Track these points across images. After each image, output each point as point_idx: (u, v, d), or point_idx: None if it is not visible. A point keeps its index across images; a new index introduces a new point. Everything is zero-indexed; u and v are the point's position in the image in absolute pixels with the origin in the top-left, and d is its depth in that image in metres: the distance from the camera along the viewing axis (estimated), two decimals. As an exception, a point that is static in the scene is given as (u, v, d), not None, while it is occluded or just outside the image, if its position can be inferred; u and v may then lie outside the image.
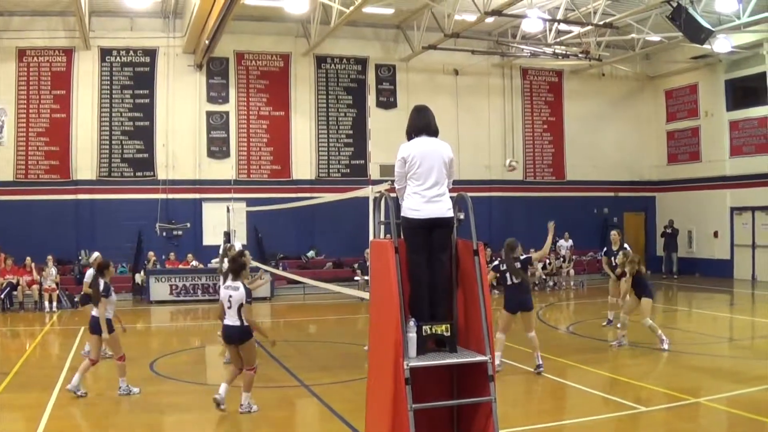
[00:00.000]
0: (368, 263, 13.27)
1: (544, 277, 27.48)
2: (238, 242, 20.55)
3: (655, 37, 26.04)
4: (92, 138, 25.42)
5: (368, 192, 12.17)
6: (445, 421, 6.89)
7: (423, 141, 6.94)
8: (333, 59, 28.00)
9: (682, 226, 30.26)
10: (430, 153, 6.85)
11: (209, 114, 26.62)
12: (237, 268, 10.36)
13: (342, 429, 9.61)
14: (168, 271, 24.53)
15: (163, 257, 25.30)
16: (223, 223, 23.78)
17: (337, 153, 27.97)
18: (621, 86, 31.98)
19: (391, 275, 6.53)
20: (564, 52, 27.11)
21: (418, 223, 6.74)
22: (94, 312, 11.08)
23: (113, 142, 25.68)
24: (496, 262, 12.79)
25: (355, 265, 25.92)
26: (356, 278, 25.31)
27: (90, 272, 13.97)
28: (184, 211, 26.09)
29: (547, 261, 27.99)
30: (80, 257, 24.53)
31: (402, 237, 6.88)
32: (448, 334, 6.61)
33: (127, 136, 25.81)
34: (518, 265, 12.54)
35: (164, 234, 25.84)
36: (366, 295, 10.25)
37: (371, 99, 28.04)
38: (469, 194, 7.00)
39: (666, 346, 14.17)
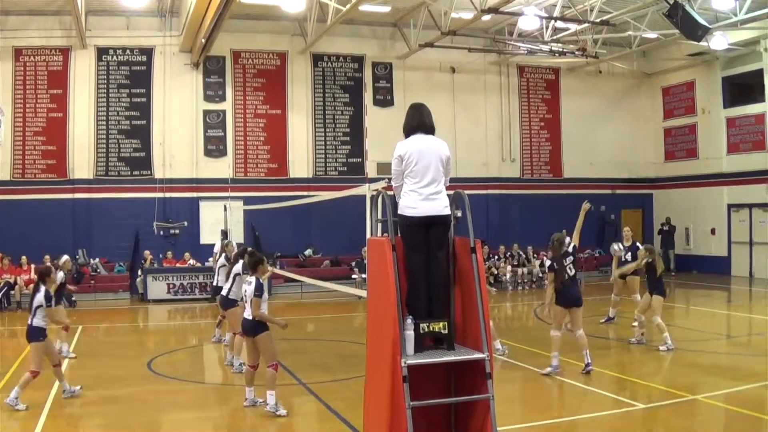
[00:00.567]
0: (366, 261, 13.27)
1: (540, 274, 27.50)
2: (235, 240, 20.55)
3: (651, 35, 26.03)
4: (89, 137, 25.38)
5: (365, 190, 12.16)
6: (443, 419, 6.90)
7: (420, 139, 6.93)
8: (330, 57, 27.99)
9: (680, 223, 30.29)
10: (427, 151, 6.85)
11: (206, 113, 26.60)
12: (254, 263, 10.41)
13: (340, 427, 9.61)
14: (165, 270, 24.52)
15: (161, 256, 25.28)
16: (220, 221, 23.79)
17: (334, 151, 27.96)
18: (618, 83, 31.98)
19: (389, 273, 6.53)
20: (561, 50, 27.12)
21: (416, 221, 6.74)
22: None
23: (110, 141, 25.65)
24: (549, 262, 12.52)
25: (353, 263, 25.92)
26: (354, 276, 25.31)
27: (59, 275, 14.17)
28: (181, 209, 26.06)
29: (545, 258, 27.99)
30: (78, 256, 24.52)
31: (399, 235, 6.88)
32: (446, 331, 6.62)
33: (124, 135, 25.77)
34: (571, 258, 12.31)
35: (161, 233, 25.81)
36: (363, 293, 10.25)
37: (368, 97, 28.02)
38: (466, 192, 7.01)
39: (665, 348, 14.09)
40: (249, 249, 13.35)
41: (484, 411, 6.46)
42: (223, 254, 15.94)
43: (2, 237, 22.91)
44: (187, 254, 25.15)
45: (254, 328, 10.13)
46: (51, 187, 24.88)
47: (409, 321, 6.44)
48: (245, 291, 10.33)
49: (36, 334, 10.66)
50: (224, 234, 21.86)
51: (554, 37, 26.23)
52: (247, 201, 25.10)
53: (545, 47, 26.96)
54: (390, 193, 7.18)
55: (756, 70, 27.12)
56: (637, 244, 17.35)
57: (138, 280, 24.62)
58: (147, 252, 24.94)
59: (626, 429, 9.54)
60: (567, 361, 12.63)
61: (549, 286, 12.48)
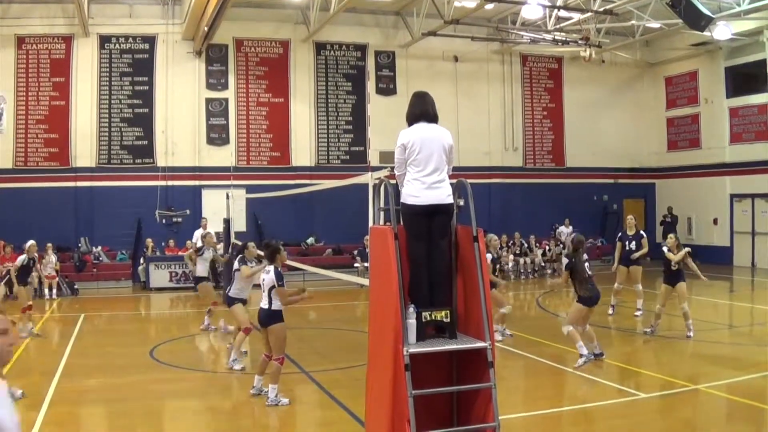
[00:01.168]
0: (368, 250, 13.28)
1: (543, 263, 27.53)
2: (212, 229, 20.51)
3: (655, 24, 25.97)
4: (91, 125, 25.37)
5: (368, 178, 12.12)
6: (445, 408, 6.90)
7: (423, 127, 6.90)
8: (332, 46, 27.93)
9: (682, 213, 30.26)
10: (430, 139, 6.82)
11: (208, 101, 26.57)
12: (271, 253, 10.42)
13: (342, 415, 9.64)
14: (167, 258, 24.55)
15: (163, 244, 25.30)
16: (222, 210, 23.77)
17: (336, 140, 27.94)
18: (621, 73, 31.92)
19: (391, 262, 6.53)
20: (564, 39, 27.04)
21: (418, 210, 6.73)
22: None
23: (112, 129, 25.63)
24: (567, 261, 12.41)
25: (355, 252, 25.94)
26: (356, 265, 25.34)
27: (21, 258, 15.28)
28: (183, 198, 26.08)
29: (547, 248, 28.05)
30: (80, 245, 24.57)
31: (402, 223, 6.87)
32: (448, 320, 6.61)
33: (126, 123, 25.76)
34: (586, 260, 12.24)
35: (164, 221, 25.85)
36: (366, 281, 10.23)
37: (371, 86, 27.99)
38: (469, 181, 7.00)
39: (691, 335, 14.17)
40: (250, 243, 13.36)
41: (486, 400, 6.46)
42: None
43: (4, 225, 22.91)
44: (189, 242, 25.10)
45: (269, 318, 10.13)
46: (53, 175, 24.89)
47: (411, 309, 6.44)
48: (263, 280, 10.31)
49: None
50: (226, 223, 21.84)
51: (557, 26, 26.15)
52: (250, 189, 25.06)
53: (548, 36, 26.89)
54: (392, 181, 7.17)
55: (759, 60, 27.03)
56: (641, 232, 17.32)
57: (140, 268, 24.68)
58: (149, 240, 24.99)
59: (629, 418, 9.55)
60: (567, 350, 12.64)
61: (562, 280, 12.56)
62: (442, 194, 6.76)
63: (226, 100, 26.74)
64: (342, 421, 9.46)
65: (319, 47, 27.78)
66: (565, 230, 27.94)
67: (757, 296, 22.18)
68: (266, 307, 10.12)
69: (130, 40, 25.76)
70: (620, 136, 31.44)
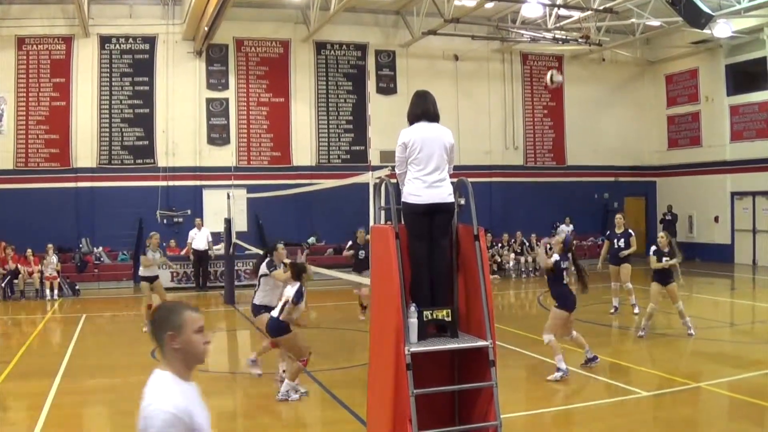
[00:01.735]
0: (369, 249, 13.26)
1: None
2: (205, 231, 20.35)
3: (655, 22, 25.94)
4: (92, 126, 25.36)
5: (369, 178, 12.13)
6: (447, 407, 6.91)
7: (424, 126, 6.91)
8: (333, 45, 27.93)
9: (683, 211, 30.24)
10: (430, 138, 6.83)
11: (209, 101, 26.57)
12: (299, 272, 10.32)
13: (343, 415, 9.65)
14: (169, 258, 24.49)
15: (164, 244, 25.23)
16: (223, 209, 23.74)
17: (337, 139, 27.94)
18: (621, 71, 31.92)
19: (392, 261, 6.53)
20: (564, 37, 27.03)
21: (419, 209, 6.73)
22: None
23: (113, 129, 25.63)
24: (557, 257, 11.44)
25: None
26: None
27: None
28: (184, 198, 26.07)
29: (548, 246, 28.00)
30: (81, 245, 24.57)
31: (403, 222, 6.87)
32: (449, 319, 6.62)
33: (127, 123, 25.75)
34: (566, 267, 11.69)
35: (165, 221, 25.82)
36: (367, 281, 10.23)
37: (371, 85, 27.99)
38: (470, 179, 7.01)
39: (693, 333, 14.14)
40: (279, 244, 12.83)
41: (488, 399, 6.47)
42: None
43: (5, 226, 22.93)
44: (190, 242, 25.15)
45: (277, 330, 10.21)
46: (54, 175, 24.88)
47: (412, 309, 6.44)
48: (284, 290, 10.42)
49: None
50: (227, 223, 21.85)
51: (557, 25, 26.15)
52: (251, 189, 25.04)
53: (548, 35, 26.86)
54: (393, 180, 7.18)
55: (759, 57, 27.03)
56: (629, 230, 17.35)
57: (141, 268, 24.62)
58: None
59: (630, 416, 9.56)
60: (567, 348, 12.63)
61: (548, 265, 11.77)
62: (443, 193, 6.77)
63: (227, 100, 26.74)
64: (343, 420, 9.46)
65: (320, 47, 27.78)
66: (565, 228, 27.92)
67: (758, 294, 22.15)
68: (275, 316, 10.24)
69: (131, 40, 25.75)
70: (621, 135, 31.42)
